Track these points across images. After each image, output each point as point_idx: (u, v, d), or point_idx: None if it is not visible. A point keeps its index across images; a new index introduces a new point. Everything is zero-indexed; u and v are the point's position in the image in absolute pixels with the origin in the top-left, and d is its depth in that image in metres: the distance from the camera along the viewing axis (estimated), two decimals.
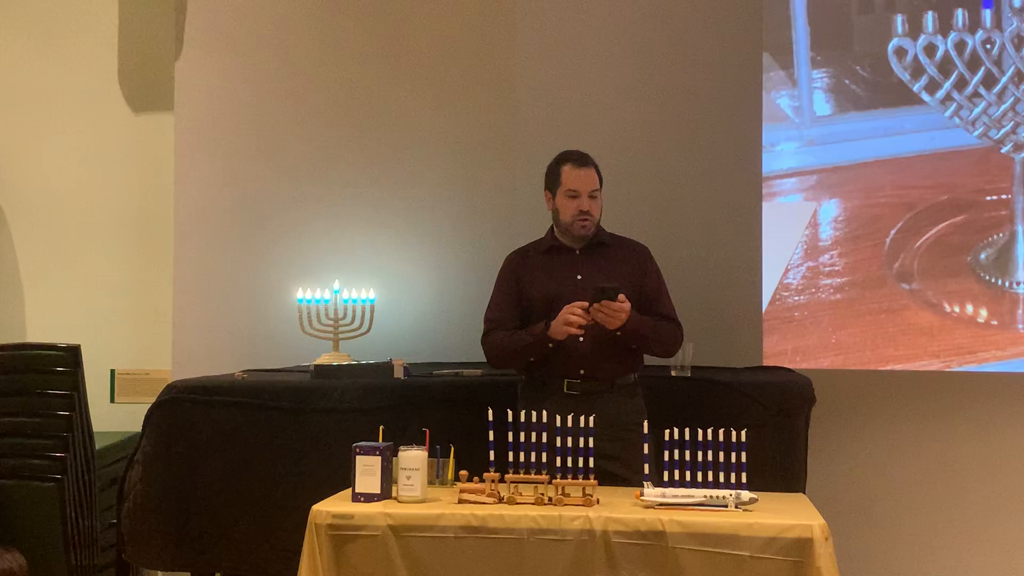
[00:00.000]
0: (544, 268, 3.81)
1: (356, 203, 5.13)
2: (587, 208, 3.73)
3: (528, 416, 3.29)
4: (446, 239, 5.11)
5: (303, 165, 5.18)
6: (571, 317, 3.56)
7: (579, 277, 3.74)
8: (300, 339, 4.80)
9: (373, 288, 4.86)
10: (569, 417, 3.24)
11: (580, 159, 3.80)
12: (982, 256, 4.73)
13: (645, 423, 3.38)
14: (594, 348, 3.66)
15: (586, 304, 3.55)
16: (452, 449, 3.54)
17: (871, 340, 4.83)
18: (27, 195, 5.51)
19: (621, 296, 3.54)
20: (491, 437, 3.28)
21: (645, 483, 3.22)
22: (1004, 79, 4.72)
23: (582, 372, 3.70)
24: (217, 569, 4.19)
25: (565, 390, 3.69)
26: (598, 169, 3.79)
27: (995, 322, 4.74)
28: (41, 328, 5.41)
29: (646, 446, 3.32)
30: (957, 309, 4.76)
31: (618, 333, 3.60)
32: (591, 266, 3.77)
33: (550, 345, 3.65)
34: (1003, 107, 4.73)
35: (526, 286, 3.81)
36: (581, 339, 3.63)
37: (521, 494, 3.24)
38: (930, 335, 4.78)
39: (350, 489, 3.31)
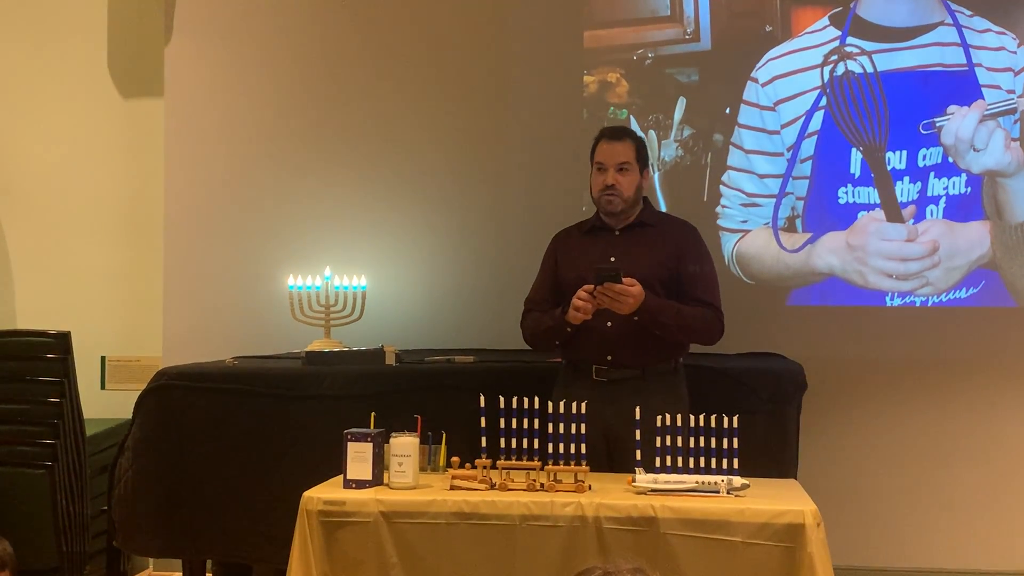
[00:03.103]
0: (581, 249, 3.70)
1: (347, 190, 5.12)
2: (612, 182, 3.59)
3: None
4: (437, 226, 5.09)
5: (293, 151, 5.16)
6: (577, 302, 3.46)
7: (612, 259, 3.60)
8: (291, 326, 4.79)
9: (364, 275, 4.85)
10: (561, 403, 3.23)
11: (613, 133, 3.68)
12: None
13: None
14: (620, 333, 3.55)
15: (592, 287, 3.44)
16: (444, 435, 3.54)
17: None
18: (16, 181, 5.48)
19: (629, 280, 3.42)
20: (483, 423, 3.27)
21: (637, 469, 3.22)
22: None
23: (609, 358, 3.60)
24: (208, 556, 4.19)
25: (594, 376, 3.61)
26: (639, 143, 3.67)
27: None
28: (31, 314, 5.38)
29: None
30: None
31: (635, 318, 3.50)
32: (625, 247, 3.64)
33: (568, 329, 3.56)
34: None
35: (561, 267, 3.72)
36: (609, 323, 3.53)
37: (513, 480, 3.23)
38: None
39: (341, 475, 3.31)
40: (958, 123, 4.75)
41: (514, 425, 3.24)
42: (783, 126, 4.89)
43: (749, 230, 4.92)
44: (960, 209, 4.81)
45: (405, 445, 3.28)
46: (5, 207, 5.51)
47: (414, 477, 3.28)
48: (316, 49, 5.16)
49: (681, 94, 4.99)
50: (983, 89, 4.77)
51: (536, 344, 3.80)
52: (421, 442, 3.38)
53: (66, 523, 4.44)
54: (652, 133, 4.96)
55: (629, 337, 3.56)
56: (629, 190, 3.64)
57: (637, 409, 3.22)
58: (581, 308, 3.46)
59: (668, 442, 3.20)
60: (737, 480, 3.16)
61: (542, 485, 3.20)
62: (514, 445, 3.24)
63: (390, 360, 4.27)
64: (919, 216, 4.81)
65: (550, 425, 3.23)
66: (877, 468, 4.84)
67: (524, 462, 3.24)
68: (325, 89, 5.15)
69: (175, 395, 4.10)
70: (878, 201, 4.82)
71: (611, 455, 3.55)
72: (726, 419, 3.17)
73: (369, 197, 5.11)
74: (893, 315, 4.84)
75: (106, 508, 4.22)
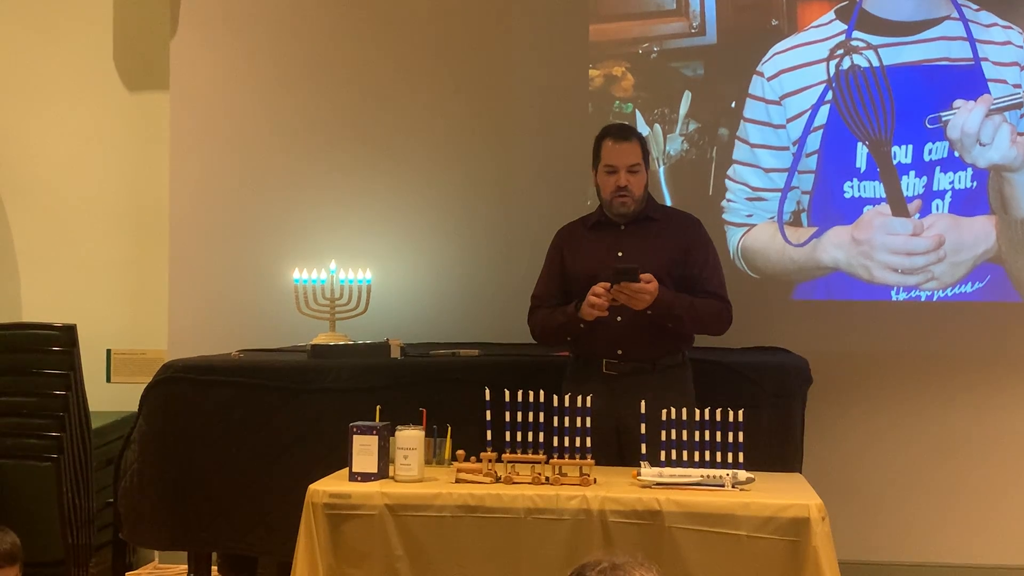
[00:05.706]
0: (587, 244, 3.74)
1: (352, 183, 5.12)
2: (624, 184, 3.63)
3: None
4: (442, 219, 5.09)
5: (299, 144, 5.16)
6: (592, 299, 3.49)
7: (619, 254, 3.65)
8: (296, 319, 4.79)
9: (369, 268, 4.85)
10: (567, 397, 3.23)
11: (619, 133, 3.70)
12: None
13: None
14: (630, 327, 3.58)
15: (608, 284, 3.47)
16: (449, 429, 3.54)
17: None
18: (23, 175, 5.49)
19: (647, 276, 3.45)
20: (488, 416, 3.27)
21: (642, 463, 3.22)
22: None
23: (619, 352, 3.63)
24: (213, 548, 4.20)
25: (604, 370, 3.64)
26: (644, 142, 3.71)
27: None
28: (37, 307, 5.40)
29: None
30: None
31: (648, 312, 3.52)
32: (633, 242, 3.67)
33: (581, 326, 3.58)
34: None
35: (568, 262, 3.74)
36: (619, 318, 3.56)
37: (518, 474, 3.23)
38: None
39: (347, 468, 3.31)
40: (964, 117, 4.74)
41: (519, 419, 3.24)
42: (789, 120, 4.88)
43: (754, 224, 4.91)
44: (966, 203, 4.80)
45: (410, 438, 3.28)
46: (11, 200, 5.52)
47: (419, 470, 3.28)
48: (322, 42, 5.16)
49: (687, 88, 4.98)
50: (989, 83, 4.76)
51: (546, 340, 3.82)
52: (426, 435, 3.38)
53: (72, 515, 4.45)
54: (657, 127, 4.96)
55: (639, 331, 3.59)
56: (640, 190, 3.68)
57: (643, 403, 3.23)
58: (597, 305, 3.49)
59: (673, 436, 3.20)
60: (742, 474, 3.16)
61: (547, 478, 3.21)
62: (519, 438, 3.24)
63: (395, 354, 4.28)
64: (925, 210, 4.81)
65: (555, 419, 3.23)
66: (882, 462, 4.83)
67: (529, 455, 3.24)
68: (330, 82, 5.15)
69: (181, 388, 4.11)
70: (884, 195, 4.81)
71: (623, 449, 3.55)
72: (731, 413, 3.17)
73: (374, 190, 5.11)
74: (898, 309, 4.84)
75: (112, 501, 4.23)
